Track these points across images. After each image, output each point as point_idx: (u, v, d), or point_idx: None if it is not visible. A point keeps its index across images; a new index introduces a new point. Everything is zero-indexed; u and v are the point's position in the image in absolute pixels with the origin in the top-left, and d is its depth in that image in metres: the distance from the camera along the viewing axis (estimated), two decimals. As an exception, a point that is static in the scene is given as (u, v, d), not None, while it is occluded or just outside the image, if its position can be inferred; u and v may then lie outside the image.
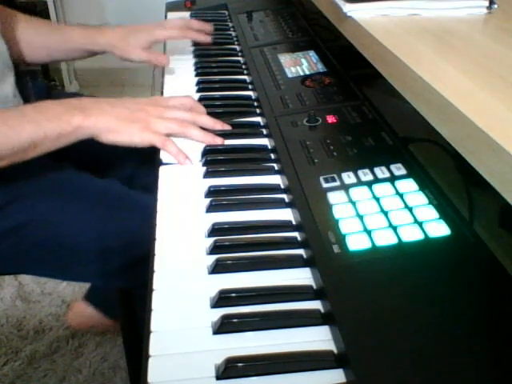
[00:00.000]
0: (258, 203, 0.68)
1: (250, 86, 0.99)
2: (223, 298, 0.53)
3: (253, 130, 0.85)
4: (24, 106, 0.87)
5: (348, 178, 0.65)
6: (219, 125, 0.83)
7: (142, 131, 0.76)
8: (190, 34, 1.07)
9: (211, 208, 0.66)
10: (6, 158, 0.73)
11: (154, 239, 0.62)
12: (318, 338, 0.49)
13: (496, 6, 0.78)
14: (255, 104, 0.92)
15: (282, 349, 0.48)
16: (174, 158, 0.77)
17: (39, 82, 1.08)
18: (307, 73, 0.96)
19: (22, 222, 0.81)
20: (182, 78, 1.04)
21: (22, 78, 0.96)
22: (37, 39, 1.01)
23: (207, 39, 1.09)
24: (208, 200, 0.68)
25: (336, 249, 0.55)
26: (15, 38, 0.98)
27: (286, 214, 0.65)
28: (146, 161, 1.00)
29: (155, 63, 1.02)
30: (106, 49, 1.01)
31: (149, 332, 0.50)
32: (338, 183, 0.65)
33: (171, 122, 0.78)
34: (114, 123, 0.76)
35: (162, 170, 0.75)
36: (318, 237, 0.57)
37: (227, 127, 0.83)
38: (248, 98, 0.95)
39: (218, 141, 0.80)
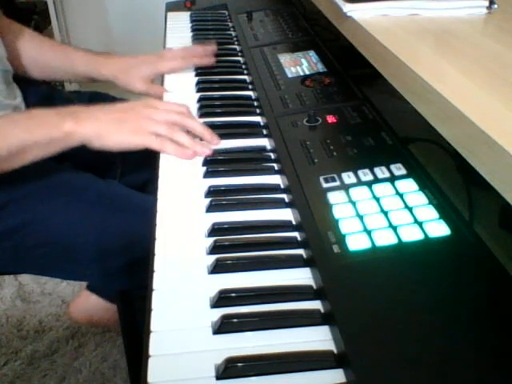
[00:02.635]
0: (257, 203, 0.68)
1: (249, 86, 0.99)
2: (223, 298, 0.53)
3: (253, 130, 0.85)
4: (15, 113, 0.86)
5: (348, 178, 0.65)
6: (208, 134, 0.79)
7: (133, 134, 0.76)
8: (193, 62, 1.05)
9: (211, 208, 0.66)
10: None
11: (154, 239, 0.62)
12: (318, 338, 0.49)
13: (496, 6, 0.78)
14: (255, 104, 0.92)
15: (281, 349, 0.48)
16: (176, 156, 0.76)
17: (41, 85, 1.08)
18: (307, 73, 0.96)
19: (22, 222, 0.81)
20: (181, 78, 1.04)
21: (24, 81, 0.96)
22: (41, 58, 1.01)
23: (211, 61, 1.06)
24: (208, 200, 0.68)
25: (336, 249, 0.55)
26: (19, 54, 0.99)
27: (286, 214, 0.65)
28: (145, 161, 1.00)
29: (154, 95, 1.01)
30: (109, 79, 1.01)
31: (149, 332, 0.50)
32: (337, 183, 0.65)
33: (160, 124, 0.77)
34: (103, 128, 0.75)
35: (162, 170, 0.75)
36: (317, 237, 0.57)
37: (216, 140, 0.80)
38: (248, 97, 0.95)
39: (206, 151, 0.77)
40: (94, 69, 1.01)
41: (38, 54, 1.01)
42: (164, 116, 0.79)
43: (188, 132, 0.79)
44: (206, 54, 1.07)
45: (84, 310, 1.31)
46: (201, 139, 0.80)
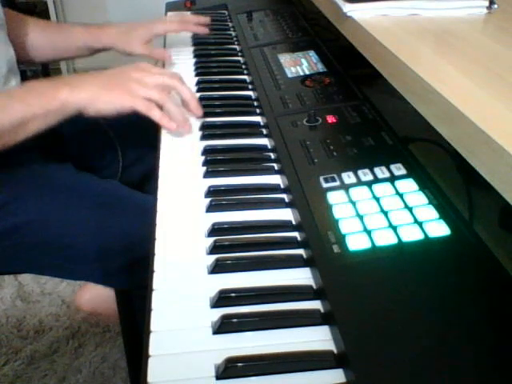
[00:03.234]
0: (257, 203, 0.67)
1: (249, 86, 0.99)
2: (223, 298, 0.53)
3: (253, 130, 0.85)
4: (11, 89, 0.87)
5: (348, 178, 0.65)
6: (194, 102, 0.83)
7: (123, 95, 0.77)
8: (188, 27, 1.11)
9: (211, 208, 0.66)
10: None
11: (154, 239, 0.62)
12: (318, 338, 0.49)
13: (496, 6, 0.78)
14: (255, 104, 0.92)
15: (281, 349, 0.48)
16: (159, 123, 0.78)
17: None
18: (307, 73, 0.96)
19: (22, 222, 0.81)
20: (181, 78, 1.04)
21: (25, 80, 0.97)
22: (44, 40, 1.04)
23: (205, 30, 1.12)
24: (208, 200, 0.67)
25: (336, 249, 0.55)
26: (24, 41, 1.01)
27: (286, 214, 0.65)
28: (145, 161, 1.00)
29: (157, 57, 1.05)
30: (108, 45, 1.04)
31: (149, 332, 0.50)
32: (338, 183, 0.65)
33: (150, 88, 0.78)
34: (95, 92, 0.76)
35: (161, 169, 0.75)
36: (317, 237, 0.57)
37: (199, 111, 0.84)
38: (248, 97, 0.95)
39: (186, 128, 0.80)
40: (93, 39, 1.04)
41: (45, 40, 1.04)
42: (155, 79, 0.80)
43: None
44: (200, 23, 1.12)
45: (89, 299, 1.31)
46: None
